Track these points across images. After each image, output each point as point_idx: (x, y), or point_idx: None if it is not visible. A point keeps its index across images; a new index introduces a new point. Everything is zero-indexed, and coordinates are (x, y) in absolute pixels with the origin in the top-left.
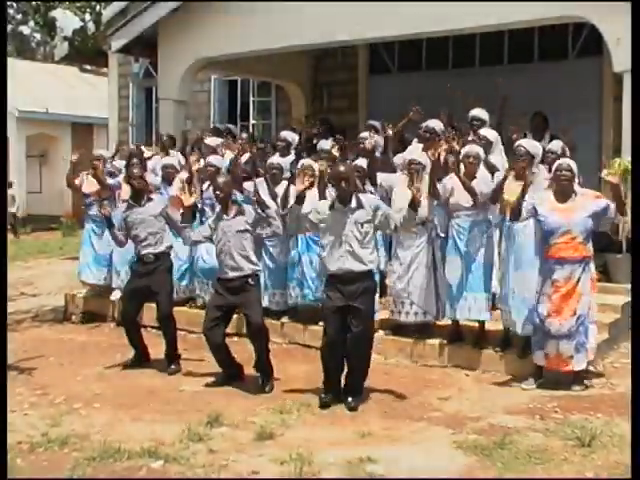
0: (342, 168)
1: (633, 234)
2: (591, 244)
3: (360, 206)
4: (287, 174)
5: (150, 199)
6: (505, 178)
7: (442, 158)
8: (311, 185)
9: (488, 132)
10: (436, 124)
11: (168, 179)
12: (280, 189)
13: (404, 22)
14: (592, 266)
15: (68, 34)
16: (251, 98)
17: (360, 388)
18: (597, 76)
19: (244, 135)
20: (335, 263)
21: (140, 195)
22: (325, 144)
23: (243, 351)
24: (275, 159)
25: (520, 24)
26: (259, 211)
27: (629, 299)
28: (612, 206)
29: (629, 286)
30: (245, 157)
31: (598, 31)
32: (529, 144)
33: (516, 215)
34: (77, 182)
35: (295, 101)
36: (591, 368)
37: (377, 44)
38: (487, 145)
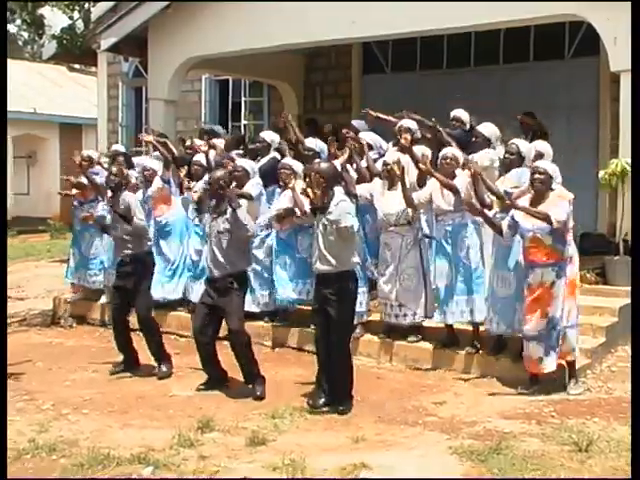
0: (318, 166)
1: (633, 235)
2: (568, 247)
3: (327, 206)
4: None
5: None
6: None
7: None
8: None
9: (485, 128)
10: (411, 124)
11: (148, 180)
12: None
13: (398, 21)
14: (570, 269)
15: (56, 32)
16: (243, 98)
17: (344, 395)
18: (594, 76)
19: (226, 137)
20: (313, 264)
21: (117, 193)
22: (309, 142)
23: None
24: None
25: (516, 23)
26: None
27: (627, 301)
28: (557, 216)
29: (626, 288)
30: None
31: (595, 30)
32: (522, 144)
33: (499, 231)
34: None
35: (288, 101)
36: (588, 372)
37: (371, 43)
38: (484, 143)
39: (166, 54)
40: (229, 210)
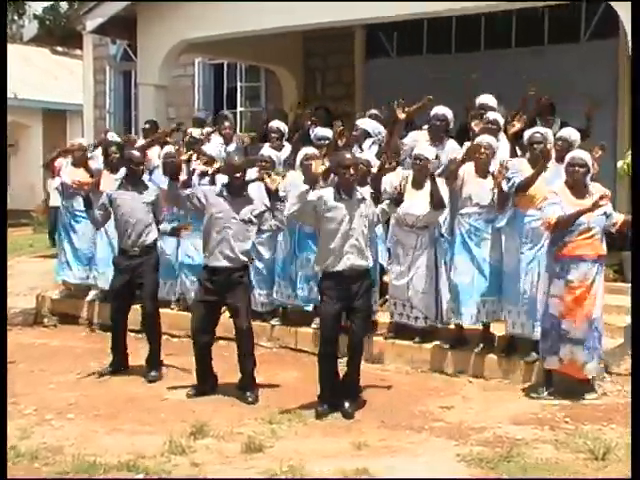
0: (348, 155)
1: (633, 234)
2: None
3: (364, 199)
4: (279, 167)
5: (146, 186)
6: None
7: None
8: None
9: (499, 116)
10: (446, 111)
11: (168, 169)
12: None
13: (403, 1)
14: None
15: (38, 12)
16: (238, 83)
17: (357, 391)
18: (612, 60)
19: (227, 123)
20: (339, 260)
21: (136, 180)
22: (322, 131)
23: (232, 357)
24: (266, 151)
25: (529, 3)
26: (266, 203)
27: None
28: (614, 213)
29: None
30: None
31: (613, 11)
32: (545, 131)
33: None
34: (56, 164)
35: (286, 87)
36: (605, 375)
37: (374, 26)
38: (497, 130)
39: (156, 36)
40: (255, 200)
